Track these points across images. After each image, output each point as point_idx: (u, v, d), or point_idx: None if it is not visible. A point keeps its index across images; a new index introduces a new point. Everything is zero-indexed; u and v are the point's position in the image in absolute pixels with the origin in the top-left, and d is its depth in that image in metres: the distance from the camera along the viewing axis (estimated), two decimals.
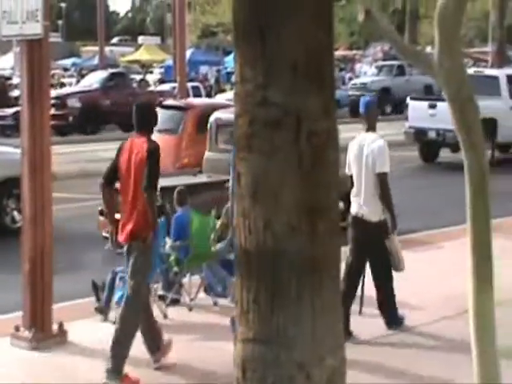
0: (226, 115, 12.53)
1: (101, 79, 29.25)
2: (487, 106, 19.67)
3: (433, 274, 9.67)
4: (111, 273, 8.26)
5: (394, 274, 7.86)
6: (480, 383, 3.95)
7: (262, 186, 3.14)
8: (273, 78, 3.12)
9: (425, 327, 7.91)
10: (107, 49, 50.52)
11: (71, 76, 45.00)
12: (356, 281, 7.83)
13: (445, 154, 20.10)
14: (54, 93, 26.44)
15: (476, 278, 3.93)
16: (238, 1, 3.19)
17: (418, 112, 20.45)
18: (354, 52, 58.71)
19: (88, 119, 27.27)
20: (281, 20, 3.09)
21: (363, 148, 7.79)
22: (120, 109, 27.35)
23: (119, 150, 7.09)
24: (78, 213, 13.96)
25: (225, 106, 14.36)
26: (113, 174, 7.04)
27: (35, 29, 7.49)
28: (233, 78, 19.97)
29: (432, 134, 19.87)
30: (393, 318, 7.89)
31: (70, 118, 27.15)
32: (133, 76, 36.49)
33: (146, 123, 7.16)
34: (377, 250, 7.76)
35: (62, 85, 36.14)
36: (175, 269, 8.67)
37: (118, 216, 7.11)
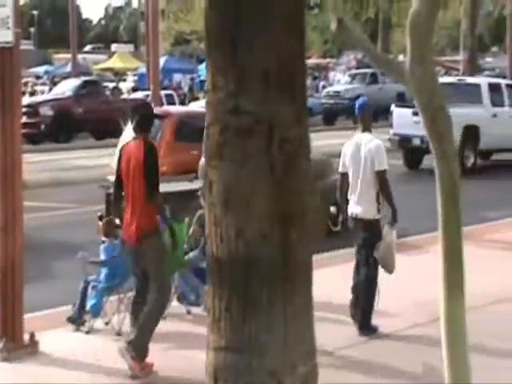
0: None
1: (73, 87, 29.11)
2: (470, 113, 19.92)
3: (411, 279, 9.70)
4: (83, 282, 8.21)
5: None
6: None
7: (233, 193, 3.14)
8: (244, 86, 3.12)
9: (400, 333, 7.93)
10: (80, 56, 50.32)
11: (44, 84, 44.75)
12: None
13: (428, 162, 20.24)
14: (26, 101, 26.29)
15: (447, 285, 3.94)
16: (209, 9, 3.20)
17: (402, 119, 20.59)
18: (328, 60, 58.96)
19: (60, 127, 27.11)
20: (252, 29, 3.10)
21: (360, 148, 7.97)
22: (93, 117, 27.28)
23: (120, 154, 7.27)
24: (49, 222, 13.88)
25: (203, 113, 14.35)
26: (120, 183, 7.23)
27: (6, 36, 7.44)
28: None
29: (416, 141, 19.99)
30: (366, 324, 7.91)
31: (43, 126, 26.98)
32: (106, 84, 36.35)
33: (143, 124, 7.26)
34: (367, 251, 7.87)
35: (34, 93, 35.91)
36: None
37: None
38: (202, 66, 47.34)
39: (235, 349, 3.13)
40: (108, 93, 30.96)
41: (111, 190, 8.01)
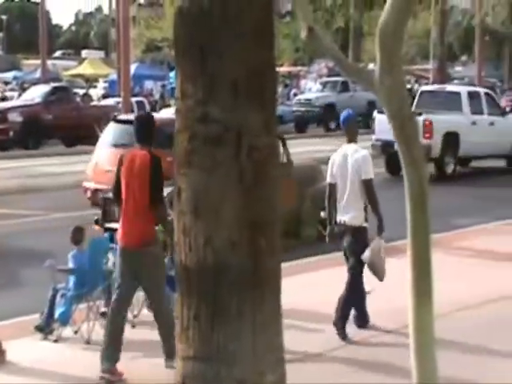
0: None
1: (43, 93, 28.89)
2: (450, 120, 20.11)
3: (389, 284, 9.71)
4: (52, 290, 8.14)
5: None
6: None
7: (202, 201, 3.13)
8: (213, 94, 3.11)
9: (372, 340, 7.96)
10: (50, 62, 50.01)
11: (12, 89, 44.38)
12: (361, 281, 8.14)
13: None
14: None
15: (415, 292, 3.96)
16: (178, 18, 3.19)
17: (384, 125, 20.67)
18: (299, 68, 59.15)
19: (29, 134, 26.88)
20: (221, 38, 3.10)
21: (347, 158, 8.19)
22: (63, 123, 27.07)
23: (120, 162, 7.29)
24: (17, 229, 13.75)
25: None
26: (119, 188, 7.27)
27: None
28: None
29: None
30: (343, 329, 7.96)
31: (11, 133, 26.73)
32: (76, 90, 36.15)
33: (147, 136, 7.36)
34: (354, 254, 8.01)
35: (4, 99, 35.61)
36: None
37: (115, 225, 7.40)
38: (173, 73, 47.20)
39: (204, 358, 3.12)
40: (78, 99, 30.78)
41: (109, 195, 8.00)
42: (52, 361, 7.44)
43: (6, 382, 7.06)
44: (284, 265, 8.50)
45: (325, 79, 41.28)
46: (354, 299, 8.06)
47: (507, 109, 26.70)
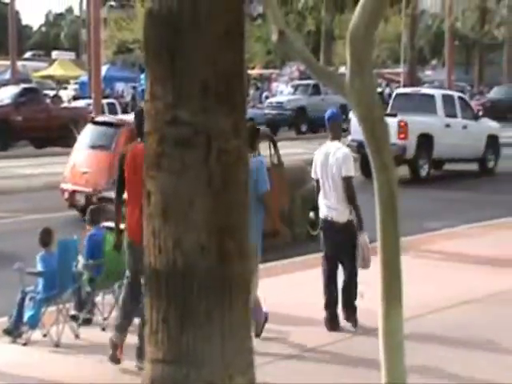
0: None
1: (12, 95, 28.64)
2: (424, 122, 20.24)
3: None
4: (20, 292, 8.07)
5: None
6: None
7: (171, 204, 3.12)
8: (183, 97, 3.11)
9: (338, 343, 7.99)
10: (19, 63, 49.60)
11: None
12: (335, 280, 8.26)
13: None
14: None
15: (385, 295, 3.98)
16: (148, 19, 3.18)
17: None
18: (271, 71, 59.20)
19: None
20: (190, 40, 3.09)
21: (329, 156, 8.36)
22: (32, 125, 26.86)
23: (122, 157, 7.34)
24: None
25: None
26: (122, 185, 7.34)
27: None
28: None
29: None
30: (354, 316, 8.20)
31: None
32: (46, 92, 35.89)
33: None
34: (347, 249, 8.20)
35: None
36: (88, 288, 8.54)
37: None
38: (144, 75, 47.05)
39: (173, 361, 3.11)
40: (48, 101, 30.57)
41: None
42: (21, 364, 7.38)
43: None
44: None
45: (296, 82, 41.39)
46: (355, 289, 8.19)
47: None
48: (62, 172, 15.19)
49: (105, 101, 29.58)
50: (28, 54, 76.64)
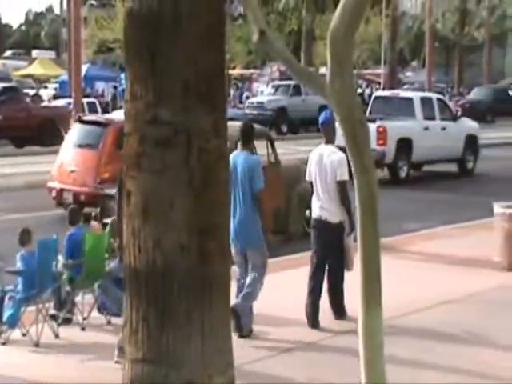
0: None
1: None
2: (403, 126, 20.32)
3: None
4: (0, 292, 8.04)
5: None
6: None
7: (151, 204, 3.11)
8: (163, 96, 3.10)
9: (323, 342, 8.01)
10: None
11: None
12: (322, 278, 8.44)
13: None
14: None
15: (365, 296, 4.00)
16: (128, 19, 3.17)
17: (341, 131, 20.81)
18: (252, 71, 59.19)
19: None
20: (171, 40, 3.09)
21: (323, 158, 8.51)
22: (12, 124, 26.69)
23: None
24: None
25: None
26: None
27: None
28: None
29: None
30: (342, 311, 8.45)
31: None
32: (26, 91, 35.66)
33: None
34: (336, 249, 8.41)
35: None
36: (67, 288, 8.52)
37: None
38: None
39: (152, 360, 3.11)
40: (28, 100, 30.39)
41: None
42: (0, 363, 7.34)
43: None
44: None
45: (277, 83, 41.38)
46: (342, 285, 8.39)
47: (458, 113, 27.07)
48: (42, 171, 15.13)
49: (85, 100, 29.45)
50: (8, 53, 76.24)
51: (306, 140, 26.17)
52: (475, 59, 62.36)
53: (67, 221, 8.99)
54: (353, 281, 4.17)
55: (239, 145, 8.31)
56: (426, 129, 20.81)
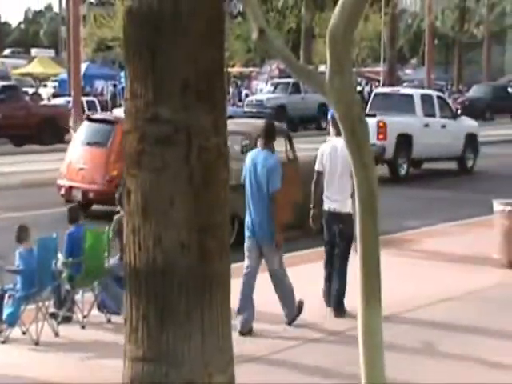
0: (231, 126, 13.73)
1: None
2: (403, 122, 20.32)
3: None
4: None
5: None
6: None
7: (152, 202, 3.12)
8: (163, 95, 3.10)
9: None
10: None
11: None
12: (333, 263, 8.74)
13: None
14: None
15: (364, 293, 4.00)
16: (128, 17, 3.17)
17: None
18: (251, 69, 59.15)
19: None
20: (170, 38, 3.09)
21: (337, 150, 8.65)
22: (11, 122, 26.67)
23: None
24: None
25: None
26: None
27: None
28: None
29: None
30: (341, 306, 8.52)
31: None
32: (25, 89, 35.62)
33: None
34: (345, 239, 8.53)
35: None
36: (67, 286, 8.52)
37: None
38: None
39: (152, 359, 3.11)
40: (27, 98, 30.37)
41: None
42: (0, 362, 7.34)
43: None
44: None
45: (276, 80, 41.35)
46: (345, 279, 8.48)
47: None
48: (41, 170, 15.16)
49: (84, 98, 29.44)
50: (7, 52, 76.18)
51: (305, 138, 26.14)
52: (474, 57, 62.35)
53: (67, 219, 8.98)
54: (353, 278, 4.17)
55: (260, 143, 8.43)
56: (426, 126, 20.81)
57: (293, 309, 8.27)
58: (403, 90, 24.11)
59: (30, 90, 36.76)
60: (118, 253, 8.66)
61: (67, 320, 8.42)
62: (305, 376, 6.98)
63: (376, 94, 22.57)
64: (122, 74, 48.53)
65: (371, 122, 18.41)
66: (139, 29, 3.16)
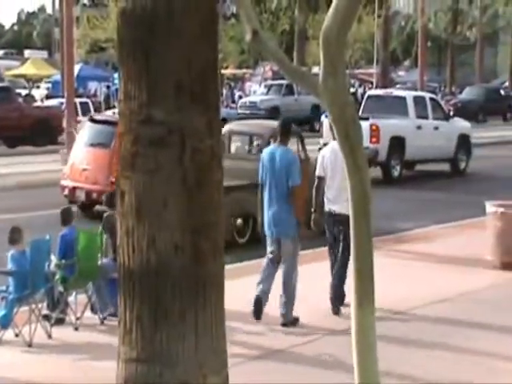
0: (237, 127, 14.40)
1: None
2: (396, 124, 20.36)
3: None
4: None
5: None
6: None
7: (145, 204, 3.12)
8: (157, 96, 3.11)
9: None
10: None
11: None
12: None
13: None
14: None
15: (357, 294, 4.01)
16: (121, 18, 3.18)
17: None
18: (244, 70, 59.17)
19: None
20: (164, 39, 3.09)
21: (337, 153, 8.62)
22: (5, 124, 26.63)
23: None
24: None
25: None
26: None
27: None
28: None
29: None
30: (339, 303, 8.62)
31: None
32: (19, 91, 35.57)
33: None
34: (346, 240, 8.42)
35: None
36: (60, 288, 8.51)
37: None
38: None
39: (146, 360, 3.11)
40: (20, 100, 30.32)
41: None
42: None
43: None
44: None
45: (269, 82, 41.39)
46: (344, 279, 8.52)
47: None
48: (34, 171, 15.15)
49: (78, 100, 29.41)
50: (0, 53, 76.03)
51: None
52: (467, 59, 62.50)
53: (60, 221, 8.97)
54: (348, 280, 4.19)
55: (277, 140, 8.58)
56: (419, 128, 20.85)
57: (290, 313, 8.29)
58: (396, 92, 24.16)
59: (23, 92, 36.71)
60: (112, 253, 8.64)
61: (60, 322, 8.42)
62: (305, 377, 6.98)
63: (369, 96, 22.60)
64: (116, 75, 48.50)
65: (364, 125, 18.43)
66: (133, 30, 3.17)
